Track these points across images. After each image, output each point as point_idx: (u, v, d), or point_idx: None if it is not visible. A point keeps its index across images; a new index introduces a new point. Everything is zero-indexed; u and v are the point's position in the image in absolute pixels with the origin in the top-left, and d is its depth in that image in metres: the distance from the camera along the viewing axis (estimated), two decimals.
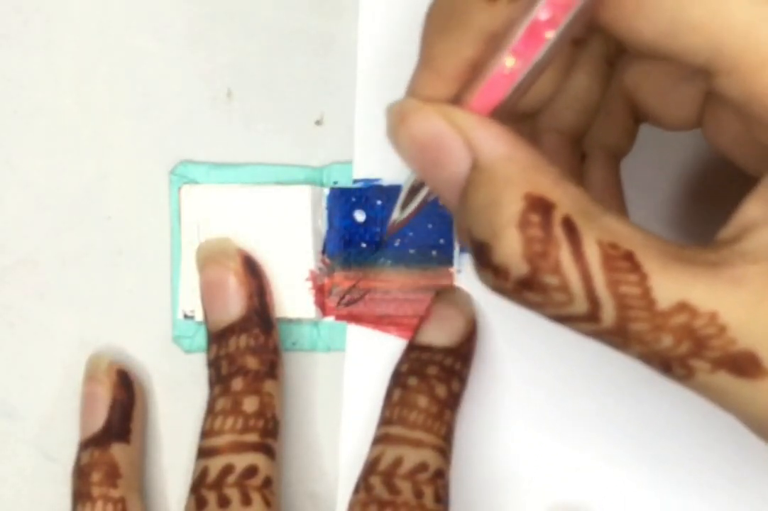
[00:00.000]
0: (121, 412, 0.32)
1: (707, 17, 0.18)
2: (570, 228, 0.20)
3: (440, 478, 0.29)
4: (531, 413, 0.32)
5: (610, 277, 0.19)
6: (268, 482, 0.30)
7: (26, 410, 0.34)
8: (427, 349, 0.31)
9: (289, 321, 0.33)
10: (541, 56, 0.20)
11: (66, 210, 0.34)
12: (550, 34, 0.20)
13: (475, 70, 0.21)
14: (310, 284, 0.33)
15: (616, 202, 0.29)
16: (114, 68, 0.34)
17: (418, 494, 0.29)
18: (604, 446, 0.32)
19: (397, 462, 0.29)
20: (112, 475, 0.31)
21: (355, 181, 0.33)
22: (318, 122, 0.34)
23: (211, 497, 0.29)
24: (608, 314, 0.20)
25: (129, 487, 0.31)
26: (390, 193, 0.33)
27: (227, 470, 0.30)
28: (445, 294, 0.32)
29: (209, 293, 0.32)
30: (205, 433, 0.30)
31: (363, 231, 0.33)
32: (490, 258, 0.20)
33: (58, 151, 0.34)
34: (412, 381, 0.30)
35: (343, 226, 0.33)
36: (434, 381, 0.30)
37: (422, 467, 0.29)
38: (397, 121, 0.22)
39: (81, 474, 0.31)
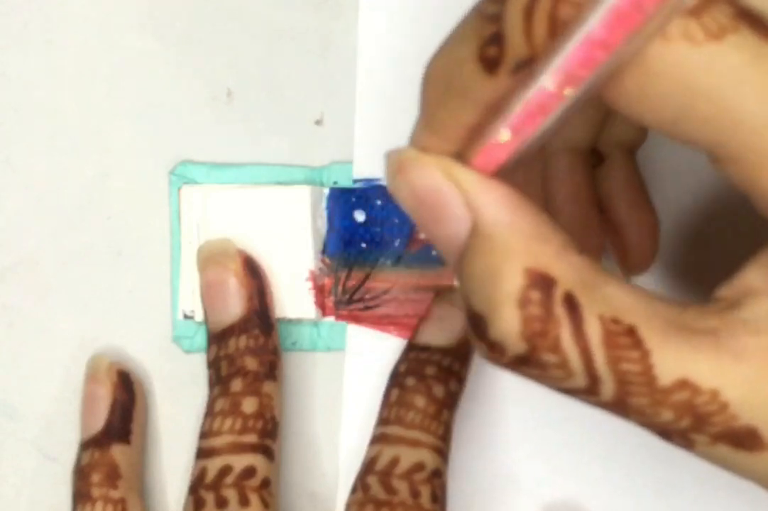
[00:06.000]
0: (121, 413, 0.32)
1: (714, 112, 0.18)
2: (571, 305, 0.19)
3: (437, 478, 0.29)
4: (528, 413, 0.32)
5: (611, 354, 0.19)
6: (266, 483, 0.30)
7: (26, 410, 0.34)
8: (426, 349, 0.31)
9: (289, 321, 0.33)
10: (538, 133, 0.19)
11: (66, 210, 0.34)
12: (549, 115, 0.19)
13: (477, 131, 0.20)
14: (310, 284, 0.33)
15: (640, 198, 0.29)
16: (114, 68, 0.34)
17: (415, 494, 0.29)
18: (601, 447, 0.32)
19: (394, 462, 0.29)
20: (113, 476, 0.31)
21: (355, 181, 0.33)
22: (318, 122, 0.34)
23: (209, 497, 0.29)
24: (608, 388, 0.19)
25: (129, 488, 0.31)
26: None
27: (225, 470, 0.30)
28: (445, 294, 0.32)
29: (209, 294, 0.32)
30: (204, 433, 0.30)
31: (363, 231, 0.33)
32: (487, 332, 0.20)
33: (58, 151, 0.34)
34: (410, 381, 0.30)
35: (343, 226, 0.33)
36: (432, 381, 0.30)
37: (419, 466, 0.29)
38: (396, 169, 0.21)
39: (81, 475, 0.31)
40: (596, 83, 0.18)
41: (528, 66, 0.18)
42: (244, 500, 0.29)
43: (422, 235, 0.25)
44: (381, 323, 0.33)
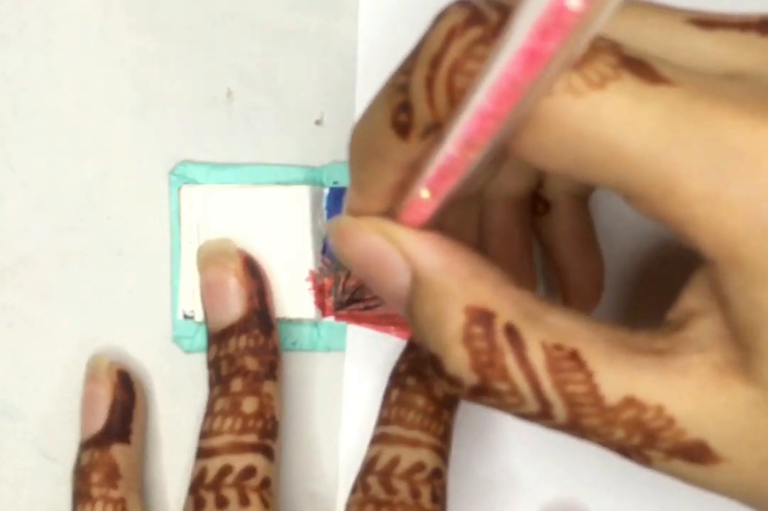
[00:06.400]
0: (121, 413, 0.32)
1: (605, 157, 0.18)
2: (512, 335, 0.20)
3: (437, 478, 0.29)
4: None
5: (556, 377, 0.20)
6: (266, 483, 0.30)
7: (26, 410, 0.34)
8: None
9: (289, 321, 0.33)
10: (454, 188, 0.20)
11: (66, 210, 0.34)
12: (459, 175, 0.20)
13: (403, 189, 0.21)
14: (310, 284, 0.33)
15: (584, 244, 0.30)
16: (114, 68, 0.34)
17: (415, 494, 0.29)
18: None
19: (394, 462, 0.29)
20: (112, 475, 0.31)
21: None
22: (318, 122, 0.34)
23: (209, 497, 0.29)
24: (559, 411, 0.20)
25: (129, 487, 0.31)
26: None
27: (225, 470, 0.30)
28: None
29: (210, 294, 0.32)
30: (204, 433, 0.30)
31: None
32: (444, 370, 0.21)
33: (58, 151, 0.34)
34: (410, 381, 0.30)
35: None
36: (432, 381, 0.30)
37: (419, 466, 0.29)
38: (338, 238, 0.23)
39: (81, 475, 0.31)
40: (499, 143, 0.19)
41: (436, 130, 0.19)
42: (244, 500, 0.29)
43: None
44: (381, 323, 0.33)
